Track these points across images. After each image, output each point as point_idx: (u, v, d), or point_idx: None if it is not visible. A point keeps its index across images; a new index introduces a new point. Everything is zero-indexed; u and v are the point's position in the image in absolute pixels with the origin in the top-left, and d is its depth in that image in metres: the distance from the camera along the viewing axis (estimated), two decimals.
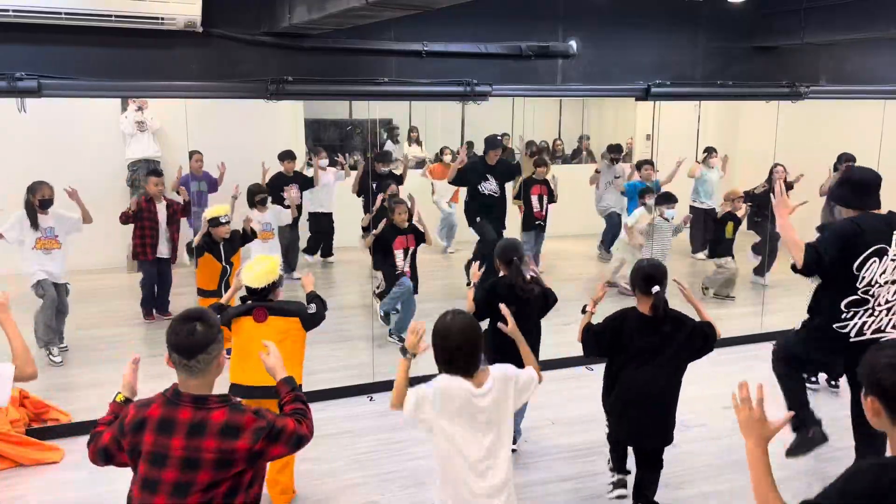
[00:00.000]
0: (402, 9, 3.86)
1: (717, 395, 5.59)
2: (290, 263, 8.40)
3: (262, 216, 7.13)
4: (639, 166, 8.85)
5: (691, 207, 9.21)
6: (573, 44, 5.70)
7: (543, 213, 8.58)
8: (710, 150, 9.30)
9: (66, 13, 4.18)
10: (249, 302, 4.08)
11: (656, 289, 3.66)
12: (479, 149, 11.83)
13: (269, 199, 7.40)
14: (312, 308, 4.13)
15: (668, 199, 7.62)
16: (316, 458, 4.59)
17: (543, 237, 8.77)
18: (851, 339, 3.89)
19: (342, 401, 5.43)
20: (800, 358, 4.28)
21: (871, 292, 3.83)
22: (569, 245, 10.13)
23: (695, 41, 6.15)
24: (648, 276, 3.70)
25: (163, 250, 6.99)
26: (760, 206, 8.02)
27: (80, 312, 6.49)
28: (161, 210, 6.97)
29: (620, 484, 4.18)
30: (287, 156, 8.39)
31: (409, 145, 11.71)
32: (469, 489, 2.85)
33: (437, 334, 2.89)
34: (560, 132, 12.89)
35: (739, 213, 7.92)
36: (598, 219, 9.59)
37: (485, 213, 7.82)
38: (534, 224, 8.51)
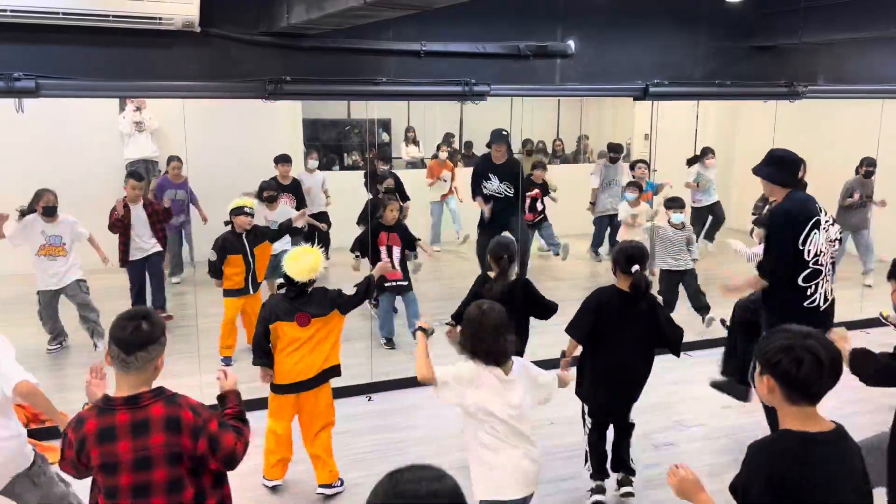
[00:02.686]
0: (400, 9, 3.85)
1: (716, 396, 5.60)
2: None
3: (271, 213, 7.06)
4: (632, 166, 8.79)
5: (693, 209, 9.19)
6: (571, 43, 5.69)
7: (535, 216, 8.57)
8: (706, 151, 9.23)
9: (63, 13, 4.16)
10: (285, 292, 4.22)
11: (636, 268, 3.88)
12: (478, 148, 11.87)
13: (279, 196, 7.34)
14: (353, 291, 4.38)
15: (675, 203, 7.01)
16: None
17: (551, 230, 8.77)
18: (822, 309, 4.12)
19: (341, 401, 5.40)
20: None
21: (819, 262, 4.07)
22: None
23: (693, 41, 6.14)
24: (630, 256, 3.93)
25: (145, 247, 6.80)
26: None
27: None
28: (137, 213, 6.72)
29: (599, 490, 4.19)
30: (283, 159, 8.02)
31: (407, 145, 11.71)
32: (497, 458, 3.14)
33: (472, 323, 3.14)
34: (558, 132, 12.90)
35: None
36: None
37: (491, 215, 7.44)
38: (526, 225, 8.43)
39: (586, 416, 4.20)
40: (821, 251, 4.07)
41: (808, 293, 4.09)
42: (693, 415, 5.29)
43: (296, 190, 8.21)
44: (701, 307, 6.99)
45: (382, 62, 5.23)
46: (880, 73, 6.72)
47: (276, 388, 4.25)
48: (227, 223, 6.15)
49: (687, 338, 6.62)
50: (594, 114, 13.18)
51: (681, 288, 7.08)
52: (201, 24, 4.56)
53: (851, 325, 6.55)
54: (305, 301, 4.17)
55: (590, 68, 5.81)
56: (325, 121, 11.82)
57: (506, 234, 5.14)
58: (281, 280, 4.42)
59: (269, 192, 7.18)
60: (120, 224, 6.58)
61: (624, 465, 4.21)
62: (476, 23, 5.39)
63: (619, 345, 3.94)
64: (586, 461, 4.23)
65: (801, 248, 4.03)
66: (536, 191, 8.60)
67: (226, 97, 5.23)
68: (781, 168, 4.19)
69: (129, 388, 2.42)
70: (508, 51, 5.52)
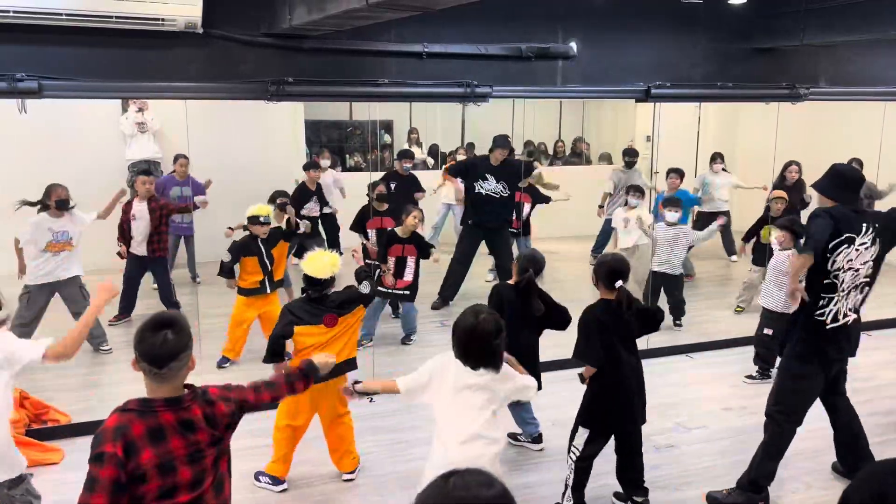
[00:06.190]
0: (402, 10, 3.86)
1: (717, 397, 5.62)
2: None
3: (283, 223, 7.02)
4: (666, 174, 8.59)
5: (698, 213, 9.15)
6: (573, 45, 5.70)
7: (521, 221, 8.32)
8: (715, 157, 9.15)
9: (66, 14, 4.18)
10: (308, 295, 4.26)
11: (619, 283, 3.86)
12: (482, 149, 11.88)
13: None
14: (366, 287, 4.46)
15: (670, 202, 7.10)
16: (315, 459, 4.59)
17: (529, 243, 8.49)
18: (827, 326, 4.00)
19: None
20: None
21: (838, 277, 3.96)
22: (564, 246, 10.12)
23: (694, 42, 6.14)
24: (612, 271, 3.91)
25: (140, 249, 6.86)
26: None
27: None
28: (141, 209, 6.85)
29: None
30: (312, 165, 8.24)
31: (410, 147, 11.72)
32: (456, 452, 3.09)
33: (464, 331, 3.07)
34: (560, 133, 12.91)
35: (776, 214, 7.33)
36: (594, 220, 9.51)
37: (480, 214, 7.57)
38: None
39: (576, 445, 4.08)
40: (844, 267, 3.92)
41: (820, 304, 3.98)
42: (694, 417, 5.28)
43: (320, 194, 8.38)
44: (676, 316, 7.09)
45: (384, 63, 5.24)
46: (883, 76, 6.73)
47: None
48: (244, 228, 6.14)
49: (688, 339, 6.73)
50: (596, 116, 13.19)
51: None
52: (203, 26, 4.58)
53: None
54: (329, 303, 4.25)
55: (591, 70, 5.82)
56: (327, 122, 11.83)
57: (535, 249, 5.12)
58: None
59: (282, 198, 6.89)
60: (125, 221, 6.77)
61: (637, 486, 4.12)
62: (478, 24, 5.39)
63: (624, 357, 3.92)
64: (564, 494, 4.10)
65: (827, 255, 3.90)
66: (522, 195, 8.27)
67: (228, 98, 5.24)
68: (830, 181, 4.12)
69: (166, 392, 2.42)
70: (510, 52, 5.53)
